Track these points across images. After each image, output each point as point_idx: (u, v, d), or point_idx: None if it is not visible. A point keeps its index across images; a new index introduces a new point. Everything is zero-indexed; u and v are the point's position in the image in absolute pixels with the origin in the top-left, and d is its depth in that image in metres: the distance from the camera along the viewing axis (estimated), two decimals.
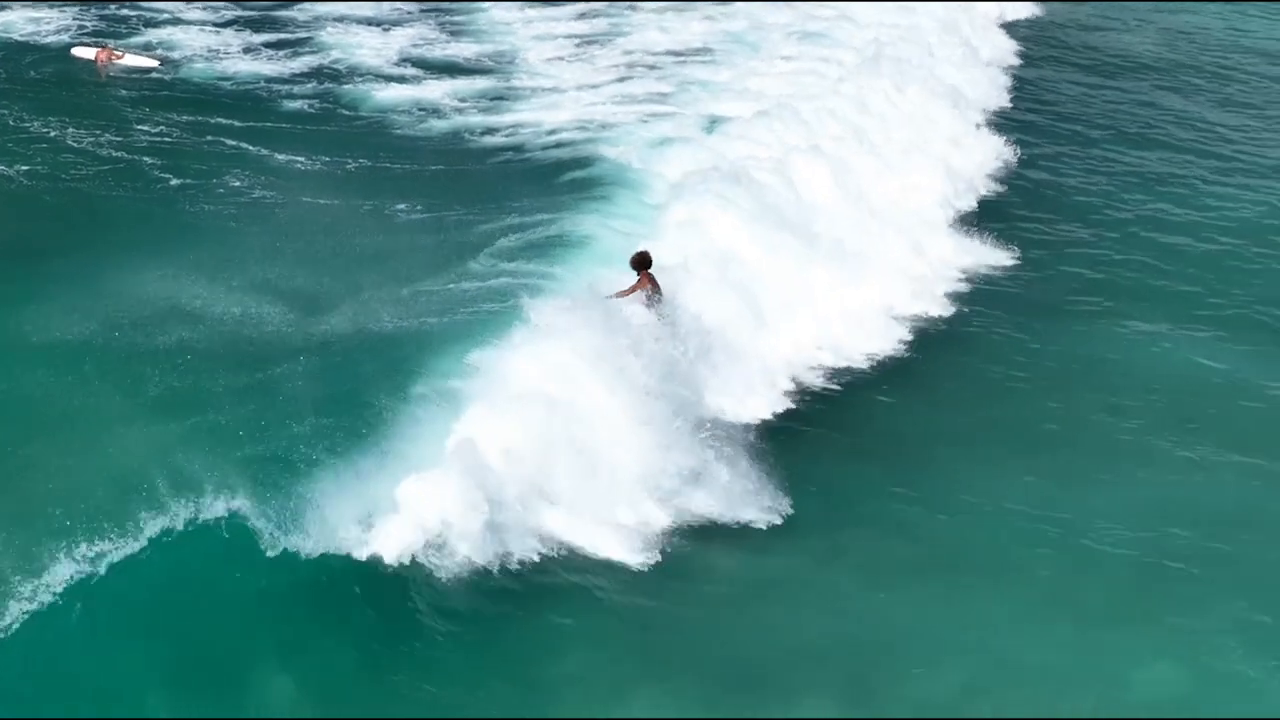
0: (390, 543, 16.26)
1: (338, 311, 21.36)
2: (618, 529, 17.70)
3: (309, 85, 33.70)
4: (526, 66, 36.39)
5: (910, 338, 23.49)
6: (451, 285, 22.14)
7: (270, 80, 33.81)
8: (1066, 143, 34.13)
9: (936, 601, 17.18)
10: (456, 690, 15.26)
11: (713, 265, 22.67)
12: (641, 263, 21.11)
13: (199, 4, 39.61)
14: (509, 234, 24.31)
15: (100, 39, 35.20)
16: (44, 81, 32.71)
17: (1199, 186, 31.67)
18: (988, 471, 19.91)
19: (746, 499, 18.54)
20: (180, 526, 15.47)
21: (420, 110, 32.56)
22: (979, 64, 37.98)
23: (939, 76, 34.82)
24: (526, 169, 29.05)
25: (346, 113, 32.23)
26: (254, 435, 17.31)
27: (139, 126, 29.79)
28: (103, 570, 14.87)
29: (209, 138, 29.51)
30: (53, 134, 29.07)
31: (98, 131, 29.20)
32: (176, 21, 37.94)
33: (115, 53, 34.07)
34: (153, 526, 15.37)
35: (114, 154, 28.15)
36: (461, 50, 37.44)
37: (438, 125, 31.72)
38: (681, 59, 37.07)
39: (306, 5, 40.20)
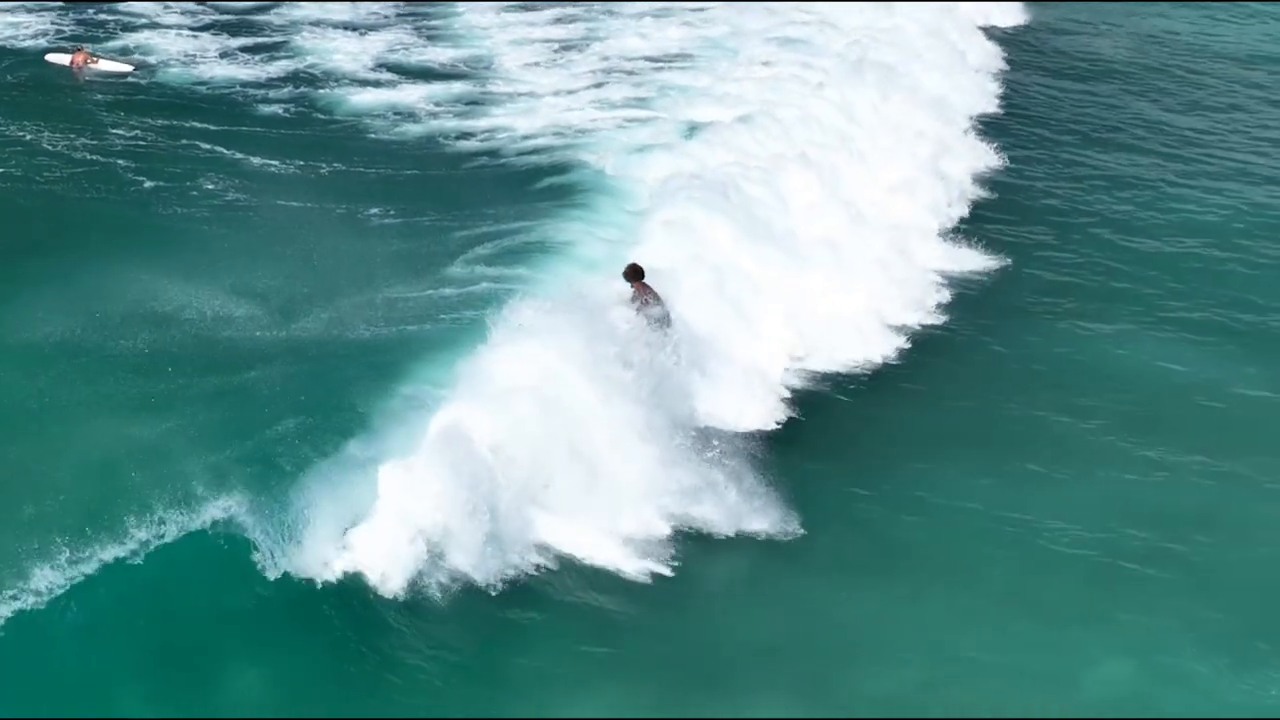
0: (373, 538, 16.25)
1: (314, 315, 21.40)
2: (597, 529, 17.87)
3: (284, 90, 33.76)
4: (503, 71, 36.27)
5: (879, 341, 23.68)
6: (430, 291, 22.18)
7: (246, 85, 33.86)
8: (1035, 146, 34.31)
9: (896, 600, 17.44)
10: (427, 690, 15.43)
11: (701, 272, 22.77)
12: (635, 274, 21.20)
13: (176, 9, 39.64)
14: (488, 240, 24.32)
15: (78, 44, 35.23)
16: (19, 85, 32.72)
17: (1164, 190, 31.94)
18: (948, 472, 20.15)
19: (722, 503, 18.71)
20: (155, 531, 15.43)
21: (396, 114, 32.61)
22: (964, 69, 37.92)
23: (921, 81, 34.92)
24: (504, 174, 29.01)
25: (322, 117, 32.28)
26: (230, 439, 17.27)
27: (114, 130, 29.86)
28: (76, 573, 14.86)
29: (183, 141, 29.55)
30: (27, 137, 29.12)
31: (72, 135, 29.26)
32: (154, 26, 37.84)
33: (91, 57, 34.16)
34: (125, 531, 15.32)
35: (88, 157, 28.21)
36: (438, 55, 37.37)
37: (414, 130, 31.74)
38: (659, 65, 36.90)
39: (283, 9, 40.17)
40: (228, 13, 39.63)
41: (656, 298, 21.02)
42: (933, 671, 16.35)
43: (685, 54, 38.13)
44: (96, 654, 14.60)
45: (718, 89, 34.18)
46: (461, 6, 41.70)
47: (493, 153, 30.49)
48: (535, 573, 17.28)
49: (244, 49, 36.57)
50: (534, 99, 34.16)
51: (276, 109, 32.43)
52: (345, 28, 39.00)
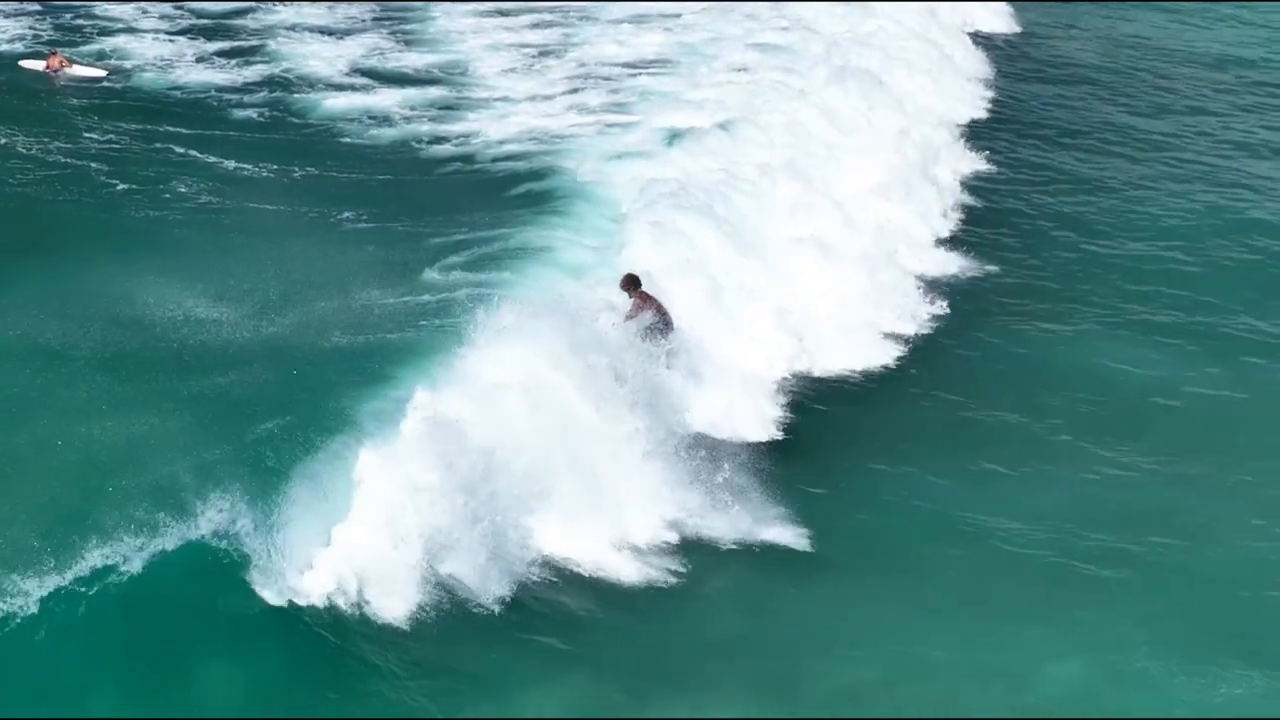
0: (356, 530, 16.10)
1: (291, 319, 21.45)
2: (569, 530, 17.96)
3: (259, 94, 33.86)
4: (480, 77, 36.27)
5: (844, 343, 23.83)
6: (408, 297, 22.19)
7: (221, 89, 33.96)
8: (1004, 149, 34.50)
9: (851, 599, 17.61)
10: (407, 690, 15.47)
11: (686, 278, 22.79)
12: (631, 283, 21.22)
13: (154, 13, 39.72)
14: (468, 245, 24.36)
15: (53, 48, 35.29)
16: None
17: (1128, 193, 32.25)
18: (906, 472, 20.40)
19: (685, 506, 18.81)
20: (132, 534, 15.39)
21: (371, 119, 32.71)
22: (943, 74, 37.94)
23: (898, 85, 35.03)
24: (481, 180, 29.08)
25: (296, 121, 32.39)
26: (207, 441, 17.30)
27: (88, 134, 29.98)
28: (53, 576, 14.85)
29: (157, 145, 29.66)
30: (1, 141, 29.22)
31: (46, 139, 29.37)
32: (131, 30, 38.00)
33: (66, 61, 34.25)
34: (103, 534, 15.30)
35: (62, 160, 28.32)
36: (414, 60, 37.41)
37: (389, 134, 31.86)
38: (637, 70, 36.88)
39: (260, 14, 40.29)
40: (204, 16, 39.72)
41: (658, 306, 21.09)
42: (890, 668, 16.50)
43: (664, 59, 38.08)
44: (73, 658, 14.57)
45: (697, 95, 34.12)
46: (438, 11, 41.73)
47: (470, 158, 30.55)
48: (528, 576, 17.34)
49: (220, 53, 36.69)
50: (511, 104, 34.17)
51: (251, 113, 32.55)
52: (321, 32, 39.07)
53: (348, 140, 31.45)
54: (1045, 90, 39.88)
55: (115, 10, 39.61)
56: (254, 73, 35.41)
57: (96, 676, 14.54)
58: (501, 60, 37.75)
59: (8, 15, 38.34)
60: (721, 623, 17.04)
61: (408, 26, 40.33)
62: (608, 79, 36.25)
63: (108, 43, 36.88)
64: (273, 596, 15.61)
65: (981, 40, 43.09)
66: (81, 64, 34.57)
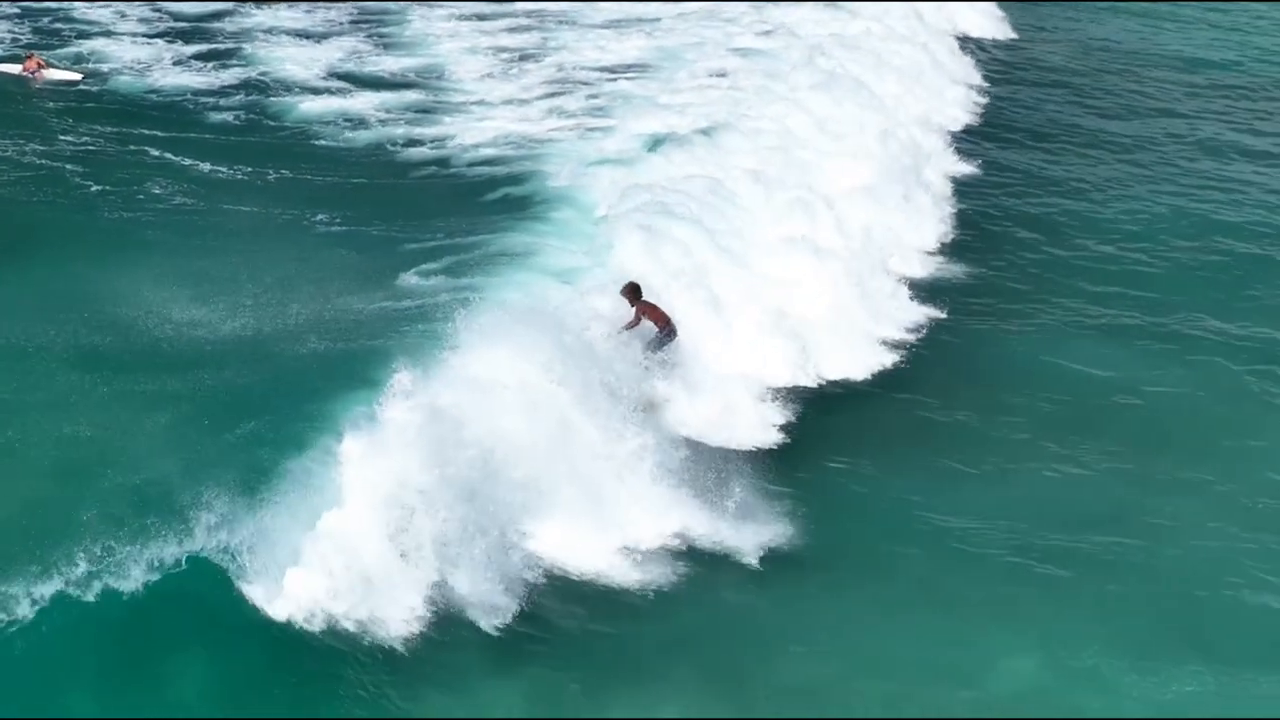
0: (345, 520, 16.06)
1: (265, 321, 21.48)
2: (544, 526, 18.08)
3: (236, 97, 33.91)
4: (457, 81, 36.24)
5: (813, 343, 24.03)
6: (387, 302, 22.16)
7: (197, 92, 34.02)
8: (978, 151, 34.78)
9: (810, 595, 17.84)
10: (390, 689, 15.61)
11: (668, 285, 22.81)
12: (633, 292, 21.26)
13: (133, 16, 39.81)
14: (448, 251, 24.29)
15: (29, 51, 35.38)
16: None
17: (1093, 195, 32.56)
18: (864, 470, 20.67)
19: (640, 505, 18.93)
20: (110, 536, 15.37)
21: (347, 121, 32.73)
22: (924, 78, 38.12)
23: (882, 89, 35.17)
24: (458, 184, 29.04)
25: (272, 124, 32.41)
26: (184, 441, 17.34)
27: (63, 137, 30.04)
28: (26, 581, 14.79)
29: (132, 147, 29.70)
30: None
31: (21, 141, 29.41)
32: (109, 34, 38.09)
33: (42, 63, 34.36)
34: (78, 538, 15.25)
35: (36, 162, 28.37)
36: (390, 63, 37.42)
37: (364, 137, 31.84)
38: (616, 75, 36.84)
39: (237, 17, 40.36)
40: (182, 19, 39.78)
41: (661, 315, 21.20)
42: (846, 664, 16.73)
43: (643, 64, 37.99)
44: (55, 658, 14.53)
45: (677, 100, 33.99)
46: (415, 14, 41.76)
47: (447, 162, 30.52)
48: (516, 574, 17.41)
49: (197, 56, 36.76)
50: (488, 108, 34.11)
51: (227, 116, 32.61)
52: (299, 35, 39.14)
53: (324, 143, 31.44)
54: (1019, 93, 40.17)
55: (93, 14, 39.66)
56: (231, 76, 35.47)
57: (77, 677, 14.56)
58: (479, 64, 37.68)
59: None
60: (677, 619, 17.22)
61: (385, 30, 40.39)
62: (586, 83, 36.13)
63: (85, 46, 36.92)
64: (256, 594, 15.62)
65: (967, 43, 43.28)
66: (58, 67, 34.66)
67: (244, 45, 37.87)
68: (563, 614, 17.09)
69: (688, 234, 24.54)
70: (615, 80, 36.46)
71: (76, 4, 40.32)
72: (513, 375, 18.63)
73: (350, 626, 15.77)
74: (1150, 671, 16.96)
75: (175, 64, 36.11)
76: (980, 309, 26.39)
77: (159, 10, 40.42)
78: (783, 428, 21.59)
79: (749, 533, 18.87)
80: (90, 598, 14.82)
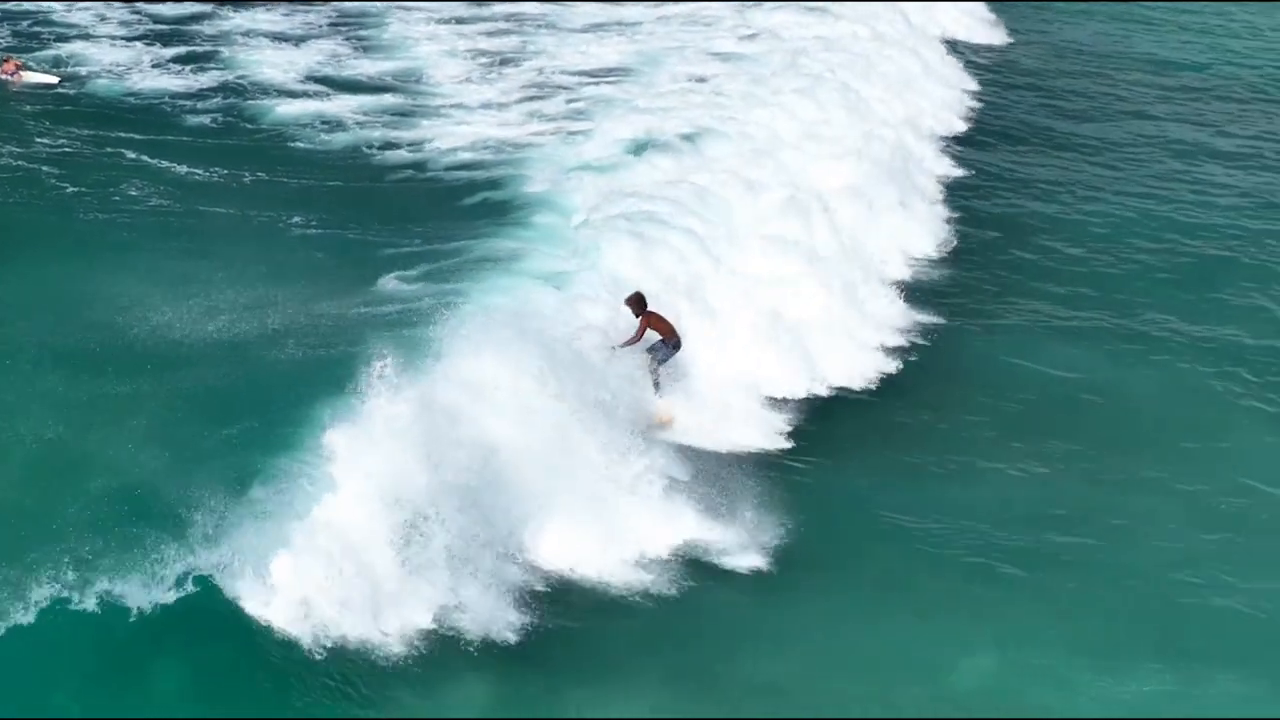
0: (338, 510, 16.07)
1: (242, 323, 21.50)
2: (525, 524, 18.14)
3: (214, 100, 33.95)
4: (435, 84, 36.25)
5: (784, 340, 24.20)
6: (365, 307, 22.12)
7: (175, 95, 34.06)
8: (962, 153, 35.02)
9: (777, 594, 18.01)
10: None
11: (655, 291, 22.59)
12: (638, 303, 21.13)
13: (113, 19, 39.83)
14: (426, 255, 24.40)
15: (9, 54, 35.40)
16: None
17: (1062, 197, 32.80)
18: (830, 470, 20.84)
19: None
20: (80, 542, 15.36)
21: (324, 124, 32.76)
22: (908, 80, 38.13)
23: (865, 91, 35.22)
24: (436, 188, 29.12)
25: (249, 126, 32.47)
26: (167, 442, 17.38)
27: (40, 139, 30.11)
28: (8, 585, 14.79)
29: (109, 150, 29.79)
30: None
31: None
32: (87, 36, 38.10)
33: (20, 66, 34.42)
34: (61, 540, 15.28)
35: (12, 163, 28.45)
36: (369, 67, 37.45)
37: (342, 140, 31.88)
38: (597, 79, 36.85)
39: (216, 20, 40.38)
40: (161, 22, 39.78)
41: (667, 326, 21.18)
42: (811, 662, 16.93)
43: (624, 68, 38.00)
44: (36, 661, 14.52)
45: (659, 103, 33.93)
46: (394, 17, 41.80)
47: (424, 165, 30.59)
48: (522, 585, 17.53)
49: (175, 59, 36.77)
50: (466, 111, 34.15)
51: (205, 119, 32.68)
52: (277, 38, 39.15)
53: (301, 146, 31.48)
54: (1001, 96, 40.30)
55: (72, 16, 39.66)
56: (209, 78, 35.49)
57: (64, 681, 14.55)
58: (457, 68, 37.68)
59: None
60: (643, 616, 17.40)
61: (363, 33, 40.40)
62: (566, 88, 36.13)
63: (64, 49, 36.91)
64: (243, 595, 15.60)
65: (953, 46, 43.25)
66: (36, 70, 34.70)
67: (222, 48, 37.91)
68: (561, 616, 17.21)
69: (678, 239, 24.61)
70: (595, 85, 36.45)
71: (55, 6, 40.34)
72: (504, 379, 18.72)
73: (343, 630, 15.79)
74: (1109, 669, 17.17)
75: (154, 67, 36.14)
76: (945, 308, 26.49)
77: (138, 13, 40.39)
78: (764, 431, 21.76)
79: (714, 532, 19.00)
80: (75, 602, 14.81)
